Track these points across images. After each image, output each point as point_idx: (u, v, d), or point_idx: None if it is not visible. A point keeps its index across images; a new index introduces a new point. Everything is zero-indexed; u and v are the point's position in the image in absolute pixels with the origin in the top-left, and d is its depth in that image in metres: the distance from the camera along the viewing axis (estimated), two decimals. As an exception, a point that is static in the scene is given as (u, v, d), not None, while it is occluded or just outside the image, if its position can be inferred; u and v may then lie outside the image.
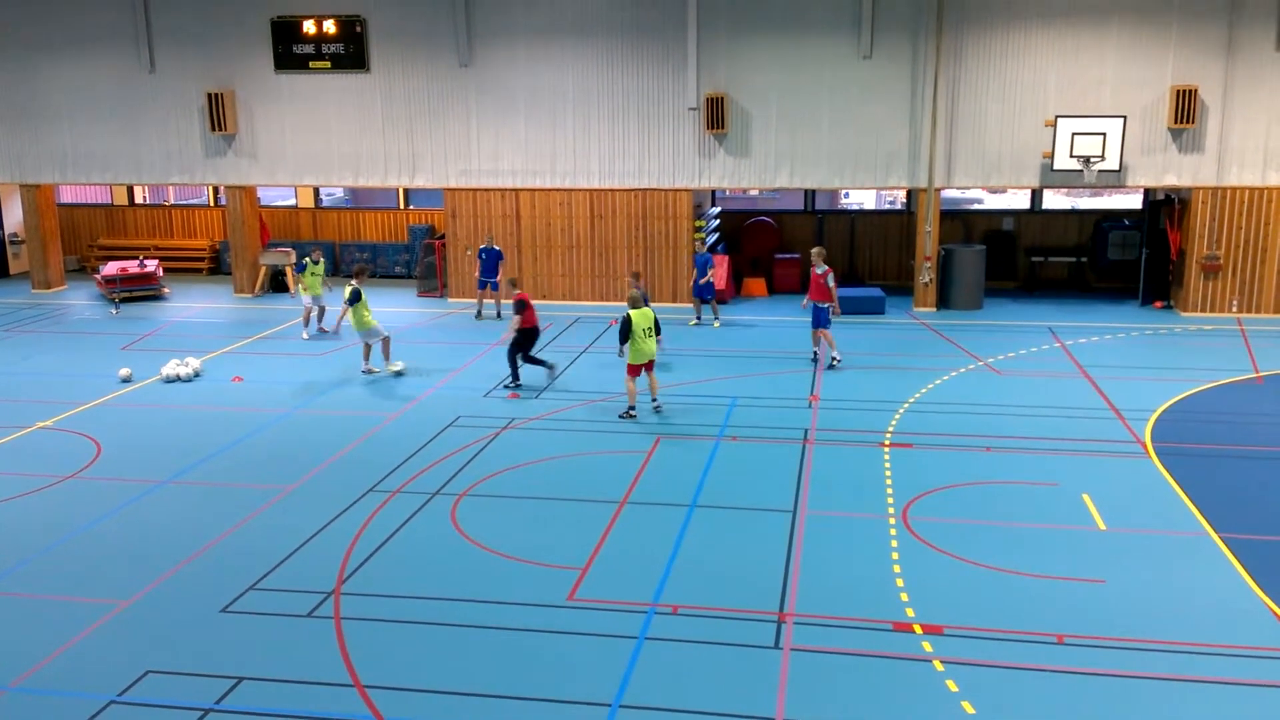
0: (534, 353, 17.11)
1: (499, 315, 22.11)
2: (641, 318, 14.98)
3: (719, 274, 22.54)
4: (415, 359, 18.70)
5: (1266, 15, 20.55)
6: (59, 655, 8.95)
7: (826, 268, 17.76)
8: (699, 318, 21.51)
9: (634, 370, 15.18)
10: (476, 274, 22.26)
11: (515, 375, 16.84)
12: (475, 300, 22.61)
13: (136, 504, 12.28)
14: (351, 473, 13.11)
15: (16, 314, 23.17)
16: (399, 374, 17.57)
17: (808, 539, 11.06)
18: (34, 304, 24.37)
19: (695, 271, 21.42)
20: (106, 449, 14.17)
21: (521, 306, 16.55)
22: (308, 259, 20.52)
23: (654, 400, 15.55)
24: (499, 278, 21.78)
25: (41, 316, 22.98)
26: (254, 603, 9.84)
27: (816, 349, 18.27)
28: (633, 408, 15.26)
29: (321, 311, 20.79)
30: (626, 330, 14.88)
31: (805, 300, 18.14)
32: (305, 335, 20.46)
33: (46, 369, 18.40)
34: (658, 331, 15.35)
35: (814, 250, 18.25)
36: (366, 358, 17.80)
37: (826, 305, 17.75)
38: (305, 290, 20.52)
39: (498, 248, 22.18)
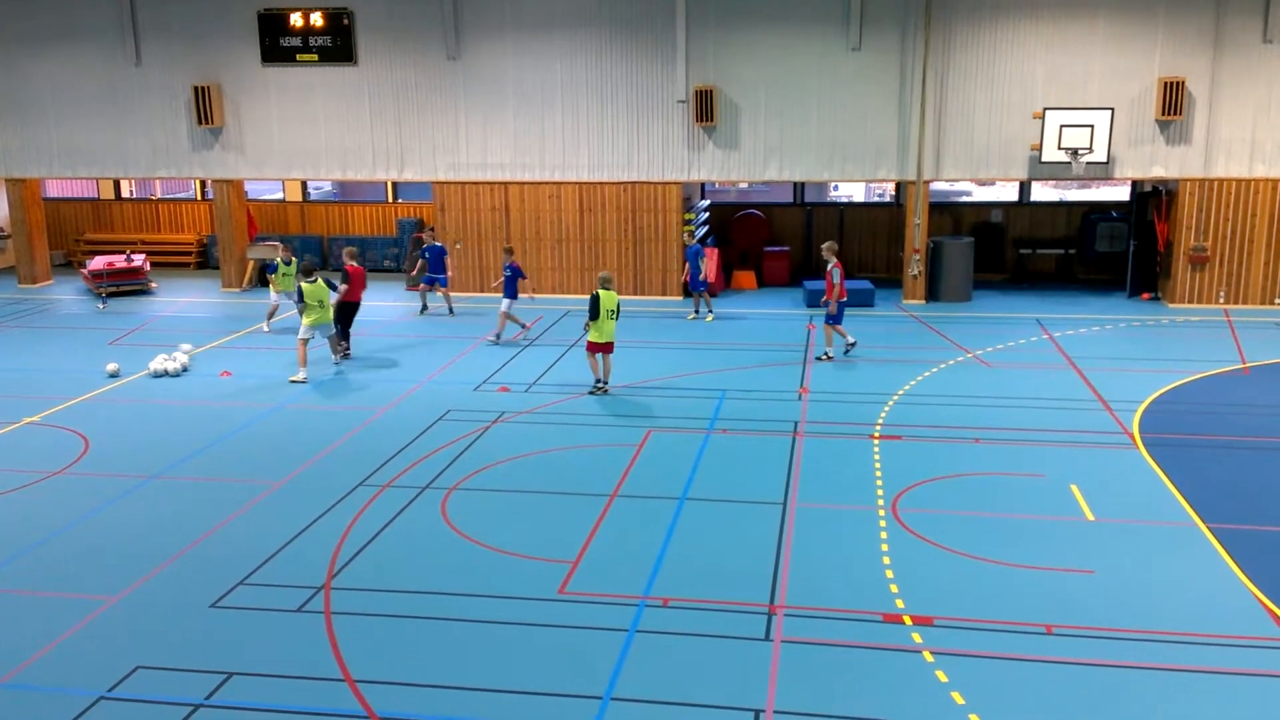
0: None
1: (451, 311, 21.86)
2: (609, 299, 15.73)
3: (709, 266, 22.55)
4: (404, 353, 18.68)
5: (1253, 7, 20.62)
6: (48, 651, 8.92)
7: (834, 261, 17.69)
8: (697, 310, 21.47)
9: (592, 348, 15.95)
10: (417, 271, 21.87)
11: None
12: (463, 293, 22.48)
13: (125, 499, 12.23)
14: (341, 467, 13.09)
15: (3, 309, 23.04)
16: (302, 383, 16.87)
17: (798, 531, 11.08)
18: (20, 299, 24.24)
19: (688, 265, 21.39)
20: (94, 444, 14.11)
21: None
22: (278, 259, 20.44)
23: (605, 382, 16.11)
24: (449, 274, 21.67)
25: (28, 311, 22.87)
26: (244, 598, 9.82)
27: (832, 347, 17.93)
28: (599, 381, 16.04)
29: (271, 313, 20.67)
30: (595, 308, 15.64)
31: (823, 299, 17.80)
32: (266, 329, 20.35)
33: (34, 364, 18.31)
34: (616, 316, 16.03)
35: (824, 245, 18.19)
36: (338, 354, 17.68)
37: (836, 300, 17.60)
38: (278, 289, 20.41)
39: (440, 244, 21.89)
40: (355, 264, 18.66)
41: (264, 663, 8.69)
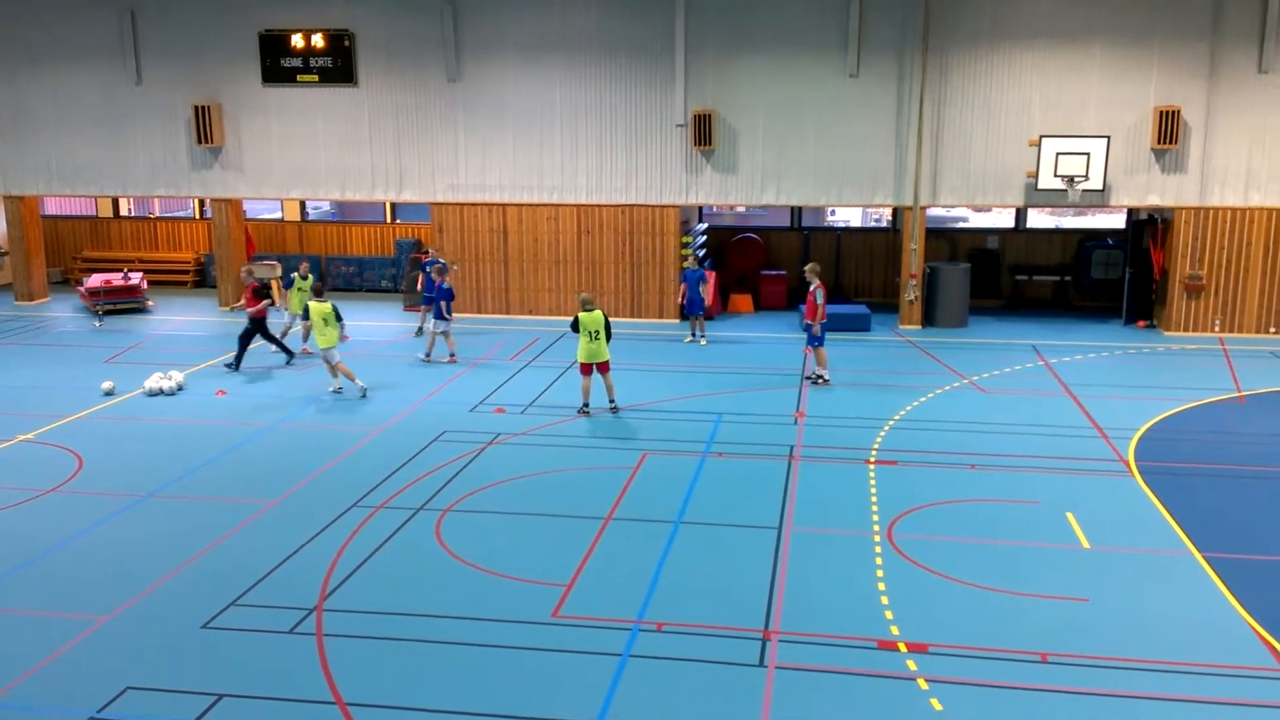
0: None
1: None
2: (589, 320, 15.87)
3: (708, 291, 22.57)
4: (400, 373, 18.67)
5: (1249, 37, 20.76)
6: (38, 670, 8.87)
7: (817, 283, 17.72)
8: (693, 334, 21.47)
9: (584, 369, 16.13)
10: (420, 289, 21.75)
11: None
12: (460, 314, 22.40)
13: (118, 518, 12.19)
14: (335, 488, 13.05)
15: (-1, 326, 23.05)
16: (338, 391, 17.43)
17: (793, 556, 11.05)
18: (17, 316, 24.23)
19: (684, 288, 21.41)
20: (88, 463, 14.07)
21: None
22: (295, 274, 20.39)
23: (610, 402, 16.25)
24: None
25: (24, 328, 22.84)
26: (235, 619, 9.77)
27: (825, 370, 17.86)
28: (585, 405, 16.13)
29: (307, 332, 20.26)
30: (576, 330, 15.99)
31: (804, 320, 17.82)
32: (274, 349, 20.21)
33: (28, 381, 18.27)
34: (608, 336, 16.11)
35: (807, 266, 18.19)
36: (336, 375, 17.42)
37: (818, 322, 17.60)
38: (288, 308, 20.38)
39: (443, 260, 21.85)
40: (258, 280, 19.79)
41: (255, 684, 8.64)
